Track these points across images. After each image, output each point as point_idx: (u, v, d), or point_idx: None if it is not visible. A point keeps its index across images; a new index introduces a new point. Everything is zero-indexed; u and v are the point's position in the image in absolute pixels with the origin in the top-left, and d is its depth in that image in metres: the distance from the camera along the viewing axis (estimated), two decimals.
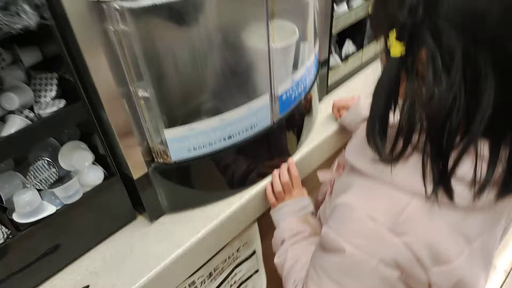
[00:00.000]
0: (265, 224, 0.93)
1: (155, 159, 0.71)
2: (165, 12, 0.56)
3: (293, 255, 0.72)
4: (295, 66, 0.81)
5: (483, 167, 0.47)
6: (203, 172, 0.76)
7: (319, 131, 0.95)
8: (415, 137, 0.49)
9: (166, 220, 0.78)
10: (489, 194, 0.49)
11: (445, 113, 0.44)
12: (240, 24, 0.68)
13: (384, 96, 0.49)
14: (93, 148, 0.70)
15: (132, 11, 0.53)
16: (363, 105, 0.90)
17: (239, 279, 0.99)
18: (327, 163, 1.00)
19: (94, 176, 0.69)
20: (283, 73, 0.77)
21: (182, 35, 0.61)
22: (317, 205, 0.86)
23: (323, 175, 0.80)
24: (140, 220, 0.79)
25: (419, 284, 0.52)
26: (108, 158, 0.69)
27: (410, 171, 0.50)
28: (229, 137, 0.72)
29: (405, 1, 0.43)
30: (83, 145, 0.69)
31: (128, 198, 0.75)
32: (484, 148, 0.47)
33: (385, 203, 0.52)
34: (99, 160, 0.71)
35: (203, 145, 0.71)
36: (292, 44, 0.76)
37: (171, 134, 0.67)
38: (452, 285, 0.53)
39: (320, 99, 1.03)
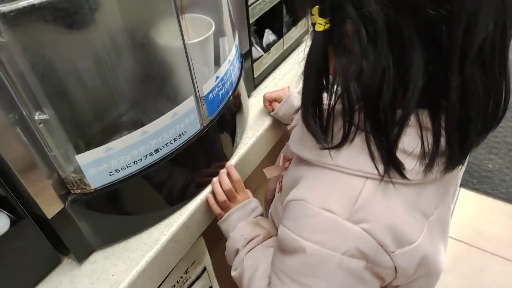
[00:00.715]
0: (212, 236, 0.86)
1: (72, 191, 0.61)
2: (50, 15, 0.46)
3: (250, 265, 0.66)
4: (217, 62, 0.75)
5: (429, 139, 0.46)
6: (132, 195, 0.66)
7: (253, 128, 0.90)
8: (354, 116, 0.46)
9: (98, 257, 0.67)
10: (439, 166, 0.47)
11: (377, 87, 0.42)
12: (148, 21, 0.60)
13: (314, 76, 0.47)
14: None
15: (6, 17, 0.43)
16: (294, 95, 0.87)
17: None
18: (268, 160, 0.95)
19: None
20: (206, 71, 0.70)
21: (78, 40, 0.51)
22: (267, 204, 0.81)
23: (269, 172, 0.75)
24: (67, 262, 0.67)
25: (385, 270, 0.49)
26: (12, 199, 0.57)
27: (357, 153, 0.48)
28: (156, 151, 0.64)
29: None
30: None
31: (46, 240, 0.63)
32: (426, 119, 0.46)
33: (338, 191, 0.49)
34: (1, 203, 0.58)
35: (127, 165, 0.61)
36: (209, 36, 0.69)
37: (85, 159, 0.57)
38: (416, 264, 0.51)
39: (249, 95, 0.98)
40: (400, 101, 0.43)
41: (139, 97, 0.62)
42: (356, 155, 0.48)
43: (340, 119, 0.48)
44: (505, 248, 1.70)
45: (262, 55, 0.99)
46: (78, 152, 0.56)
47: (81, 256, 0.66)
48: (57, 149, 0.55)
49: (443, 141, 0.46)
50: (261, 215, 0.76)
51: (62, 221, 0.60)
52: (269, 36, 1.04)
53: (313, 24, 0.44)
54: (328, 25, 0.43)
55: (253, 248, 0.69)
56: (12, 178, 0.54)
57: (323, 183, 0.51)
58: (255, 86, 1.01)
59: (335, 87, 0.45)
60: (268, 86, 1.03)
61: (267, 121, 0.92)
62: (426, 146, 0.46)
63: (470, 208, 1.89)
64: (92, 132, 0.59)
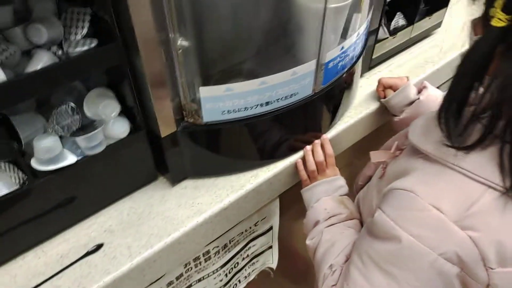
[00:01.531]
0: (286, 200, 0.88)
1: (185, 118, 0.66)
2: None
3: (328, 238, 0.67)
4: (344, 34, 0.74)
5: None
6: (234, 138, 0.70)
7: (357, 109, 0.89)
8: (497, 124, 0.43)
9: (189, 184, 0.73)
10: None
11: None
12: None
13: (470, 72, 0.44)
14: (120, 98, 0.65)
15: None
16: (412, 87, 0.83)
17: (252, 253, 0.95)
18: (361, 144, 0.94)
19: (120, 128, 0.64)
20: (333, 39, 0.69)
21: None
22: (356, 190, 0.80)
23: (376, 156, 0.73)
24: (161, 181, 0.74)
25: (476, 284, 0.47)
26: (136, 110, 0.63)
27: (486, 160, 0.45)
28: (267, 103, 0.66)
29: None
30: (111, 93, 0.63)
31: (151, 156, 0.70)
32: None
33: (454, 192, 0.47)
34: (126, 112, 0.65)
35: (238, 109, 0.65)
36: (347, 4, 0.68)
37: (206, 93, 0.61)
38: None
39: (361, 75, 0.96)
40: None
41: (266, 48, 0.64)
42: (485, 162, 0.46)
43: (479, 122, 0.45)
44: None
45: (387, 37, 0.95)
46: (202, 85, 0.60)
47: (176, 178, 0.72)
48: (186, 76, 0.60)
49: None
50: (346, 194, 0.76)
51: (171, 142, 0.66)
52: (399, 20, 0.99)
53: (490, 17, 0.41)
54: (509, 23, 0.40)
55: (333, 224, 0.70)
56: (143, 91, 0.60)
57: (439, 180, 0.49)
58: (370, 67, 0.99)
59: (490, 90, 0.42)
60: (383, 71, 1.00)
61: (372, 105, 0.90)
62: None
63: None
64: (218, 70, 0.63)
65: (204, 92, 0.61)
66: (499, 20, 0.40)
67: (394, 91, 0.85)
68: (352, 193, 0.79)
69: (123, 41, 0.54)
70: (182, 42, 0.55)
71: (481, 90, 0.44)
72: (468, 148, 0.46)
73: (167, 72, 0.58)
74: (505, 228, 0.45)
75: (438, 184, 0.48)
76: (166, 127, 0.63)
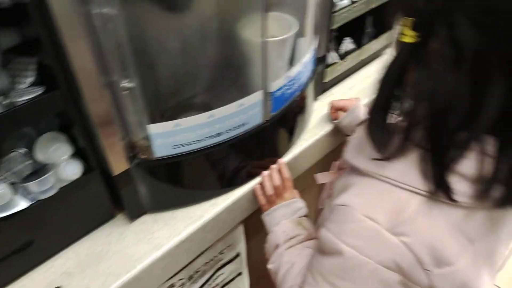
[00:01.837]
0: (251, 225, 0.90)
1: (138, 155, 0.67)
2: None
3: (288, 260, 0.69)
4: (292, 62, 0.77)
5: (487, 165, 0.46)
6: (188, 171, 0.72)
7: (312, 132, 0.92)
8: (415, 132, 0.47)
9: (147, 219, 0.74)
10: (494, 196, 0.47)
11: (447, 110, 0.43)
12: (236, 14, 0.64)
13: (389, 84, 0.48)
14: (72, 140, 0.65)
15: None
16: (361, 108, 0.87)
17: (222, 281, 0.95)
18: (319, 166, 0.97)
19: (72, 170, 0.64)
20: (279, 69, 0.72)
21: (173, 22, 0.57)
22: (317, 214, 0.82)
23: (321, 177, 0.77)
24: (119, 218, 0.75)
25: None
26: (89, 151, 0.64)
27: (410, 168, 0.48)
28: (218, 135, 0.68)
29: None
30: (62, 137, 0.64)
31: (107, 194, 0.70)
32: (489, 146, 0.45)
33: (385, 202, 0.50)
34: (78, 153, 0.66)
35: (190, 142, 0.66)
36: (289, 37, 0.72)
37: (156, 129, 0.62)
38: None
39: (315, 98, 1.00)
40: (467, 125, 0.44)
41: (213, 82, 0.67)
42: (409, 170, 0.48)
43: (401, 132, 0.49)
44: None
45: (337, 62, 1.00)
46: (151, 122, 0.62)
47: (133, 215, 0.73)
48: (135, 115, 0.61)
49: (503, 173, 0.45)
50: (305, 216, 0.78)
51: (125, 179, 0.67)
52: (348, 44, 1.04)
53: (401, 34, 0.45)
54: (417, 39, 0.44)
55: (292, 246, 0.71)
56: (93, 133, 0.61)
57: (371, 192, 0.52)
58: (323, 91, 1.02)
59: (406, 100, 0.46)
60: (336, 94, 1.04)
61: (327, 127, 0.93)
62: (484, 172, 0.45)
63: None
64: (167, 106, 0.65)
65: (153, 129, 0.62)
66: (408, 37, 0.44)
67: (345, 112, 0.88)
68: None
69: (68, 87, 0.56)
70: (126, 84, 0.57)
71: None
72: (390, 158, 0.49)
73: (114, 113, 0.60)
74: (434, 231, 0.48)
75: (370, 196, 0.51)
76: (118, 165, 0.64)
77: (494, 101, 0.41)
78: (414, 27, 0.44)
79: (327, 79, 1.00)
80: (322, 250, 0.55)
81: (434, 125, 0.45)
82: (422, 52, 0.44)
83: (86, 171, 0.66)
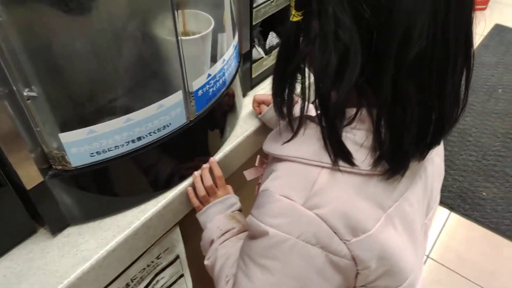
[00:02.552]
0: (188, 226, 0.88)
1: (53, 166, 0.63)
2: None
3: (223, 253, 0.69)
4: (213, 60, 0.77)
5: (375, 135, 0.51)
6: (111, 178, 0.69)
7: (242, 127, 0.92)
8: (309, 106, 0.53)
9: (72, 232, 0.70)
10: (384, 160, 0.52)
11: (321, 76, 0.48)
12: (148, 12, 0.62)
13: (283, 62, 0.54)
14: None
15: None
16: None
17: (162, 285, 0.93)
18: (252, 161, 0.97)
19: None
20: (198, 67, 0.72)
21: (73, 24, 0.53)
22: None
23: (249, 174, 0.79)
24: (41, 233, 0.70)
25: (343, 260, 0.52)
26: None
27: (313, 144, 0.53)
28: (139, 139, 0.66)
29: None
30: None
31: (24, 209, 0.66)
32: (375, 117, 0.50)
33: (298, 180, 0.53)
34: None
35: (108, 149, 0.64)
36: (205, 35, 0.71)
37: (68, 138, 0.59)
38: (376, 257, 0.53)
39: (244, 94, 1.00)
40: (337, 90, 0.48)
41: (127, 84, 0.64)
42: (313, 146, 0.53)
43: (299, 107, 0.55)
44: (486, 279, 1.71)
45: (263, 57, 1.00)
46: (62, 131, 0.59)
47: (56, 228, 0.69)
48: (43, 125, 0.58)
49: (384, 141, 0.50)
50: (240, 210, 0.79)
51: (41, 193, 0.63)
52: (273, 38, 1.05)
53: (290, 14, 0.50)
54: (300, 18, 0.49)
55: (227, 239, 0.72)
56: None
57: (286, 173, 0.55)
58: (252, 87, 1.03)
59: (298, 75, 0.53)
60: (266, 88, 1.05)
61: (257, 122, 0.93)
62: (376, 140, 0.51)
63: (457, 233, 1.89)
64: (78, 113, 0.62)
65: (65, 138, 0.59)
66: (294, 16, 0.50)
67: (268, 105, 0.89)
68: None
69: None
70: (28, 93, 0.53)
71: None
72: (295, 135, 0.55)
73: (19, 124, 0.56)
74: (344, 200, 0.51)
75: (285, 177, 0.55)
76: (30, 180, 0.60)
77: (352, 70, 0.46)
78: (297, 6, 0.49)
79: (254, 74, 1.00)
80: (250, 235, 0.58)
81: (318, 96, 0.51)
82: (307, 29, 0.50)
83: None
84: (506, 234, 1.88)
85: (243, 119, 0.94)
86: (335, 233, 0.51)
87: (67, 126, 0.60)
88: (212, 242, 0.73)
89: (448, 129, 0.53)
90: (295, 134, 0.56)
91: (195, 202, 0.79)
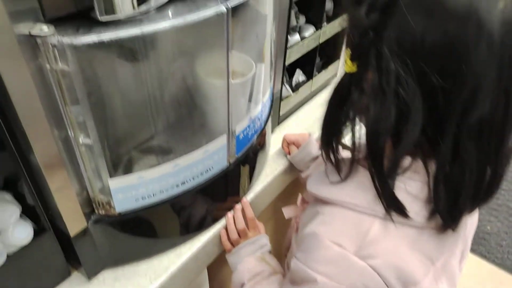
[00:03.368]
0: (213, 265, 0.87)
1: (96, 210, 0.62)
2: (114, 49, 0.48)
3: None
4: (252, 102, 0.77)
5: (431, 186, 0.50)
6: (152, 222, 0.67)
7: (271, 166, 0.91)
8: (360, 154, 0.52)
9: (107, 276, 0.68)
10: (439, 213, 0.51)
11: (379, 131, 0.47)
12: (198, 57, 0.62)
13: (335, 109, 0.53)
14: (19, 198, 0.59)
15: (74, 48, 0.45)
16: (313, 143, 0.88)
17: None
18: (281, 197, 0.97)
19: (21, 234, 0.57)
20: (241, 111, 0.71)
21: (132, 73, 0.53)
22: (284, 252, 0.82)
23: (288, 211, 0.78)
24: (76, 276, 0.68)
25: None
26: (39, 209, 0.58)
27: (367, 192, 0.52)
28: (183, 183, 0.65)
29: (357, 23, 0.46)
30: (8, 196, 0.57)
31: (61, 253, 0.64)
32: (434, 168, 0.50)
33: (349, 227, 0.52)
34: (26, 210, 0.59)
35: (153, 194, 0.62)
36: (249, 78, 0.71)
37: (117, 184, 0.58)
38: None
39: (272, 131, 1.00)
40: (395, 147, 0.48)
41: (177, 131, 0.64)
42: (366, 195, 0.52)
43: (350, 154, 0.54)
44: None
45: (290, 95, 1.01)
46: (111, 176, 0.57)
47: (92, 272, 0.67)
48: (92, 171, 0.56)
49: (440, 194, 0.50)
50: (269, 252, 0.78)
51: (82, 238, 0.61)
52: (299, 76, 1.06)
53: (345, 64, 0.50)
54: (355, 68, 0.48)
55: (258, 282, 0.70)
56: (44, 190, 0.55)
57: (335, 219, 0.54)
58: (279, 123, 1.03)
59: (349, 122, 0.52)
60: (291, 124, 1.05)
61: (285, 160, 0.93)
62: (431, 193, 0.50)
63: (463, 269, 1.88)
64: (128, 158, 0.61)
65: (114, 183, 0.58)
66: (348, 66, 0.49)
67: (297, 147, 0.89)
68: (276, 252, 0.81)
69: (16, 147, 0.50)
70: (84, 140, 0.52)
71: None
72: (345, 179, 0.54)
73: (70, 168, 0.55)
74: (396, 252, 0.50)
75: (335, 222, 0.53)
76: (75, 225, 0.59)
77: (413, 128, 0.45)
78: (352, 58, 0.48)
79: (282, 112, 1.00)
80: (294, 281, 0.56)
81: (372, 148, 0.49)
82: (360, 80, 0.49)
83: (38, 232, 0.60)
84: None
85: (272, 157, 0.94)
86: (386, 285, 0.49)
87: (115, 171, 0.59)
88: (242, 285, 0.72)
89: (500, 184, 0.53)
90: (345, 178, 0.56)
91: (227, 245, 0.78)
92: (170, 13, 0.51)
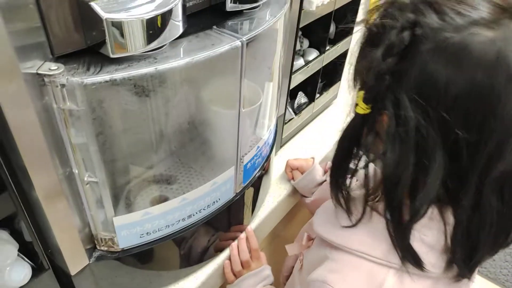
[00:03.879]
0: None
1: (98, 246, 0.59)
2: (126, 87, 0.45)
3: None
4: (259, 129, 0.75)
5: (448, 235, 0.47)
6: (155, 257, 0.65)
7: (275, 192, 0.89)
8: (375, 199, 0.49)
9: None
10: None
11: (395, 178, 0.44)
12: (207, 90, 0.60)
13: (345, 150, 0.50)
14: (17, 234, 0.55)
15: (84, 88, 0.42)
16: (318, 169, 0.86)
17: None
18: (282, 223, 0.95)
19: (19, 275, 0.54)
20: (249, 140, 0.69)
21: (142, 109, 0.51)
22: (283, 279, 0.80)
23: (291, 249, 0.76)
24: None
25: None
26: (37, 247, 0.55)
27: (379, 240, 0.49)
28: (189, 217, 0.63)
29: (373, 66, 0.43)
30: (5, 235, 0.54)
31: None
32: (450, 216, 0.47)
33: (360, 277, 0.49)
34: (24, 248, 0.56)
35: (158, 229, 0.60)
36: (257, 106, 0.70)
37: (122, 221, 0.55)
38: None
39: (275, 154, 0.98)
40: (414, 196, 0.45)
41: (187, 165, 0.62)
42: (378, 242, 0.49)
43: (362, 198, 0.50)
44: None
45: (293, 118, 0.99)
46: (116, 214, 0.55)
47: None
48: (96, 208, 0.54)
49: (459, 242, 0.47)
50: (271, 285, 0.76)
51: (83, 276, 0.58)
52: (301, 98, 1.05)
53: (355, 104, 0.46)
54: (368, 111, 0.45)
55: None
56: (44, 227, 0.52)
57: (346, 267, 0.51)
58: (281, 146, 1.01)
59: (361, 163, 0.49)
60: (294, 147, 1.03)
61: (288, 185, 0.91)
62: (446, 242, 0.47)
63: None
64: (135, 195, 0.58)
65: (119, 221, 0.55)
66: (361, 109, 0.45)
67: (302, 172, 0.87)
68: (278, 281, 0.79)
69: (17, 188, 0.47)
70: (89, 178, 0.50)
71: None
72: (357, 224, 0.51)
73: (73, 205, 0.52)
74: None
75: (345, 271, 0.50)
76: (76, 262, 0.56)
77: (433, 179, 0.42)
78: (366, 101, 0.45)
79: (284, 134, 0.99)
80: None
81: (387, 196, 0.47)
82: (374, 123, 0.46)
83: (36, 271, 0.56)
84: (506, 285, 1.88)
85: (276, 182, 0.92)
86: None
87: (119, 209, 0.56)
88: None
89: None
90: (356, 223, 0.52)
91: (230, 277, 0.75)
92: (182, 49, 0.49)
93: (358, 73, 0.49)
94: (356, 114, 0.48)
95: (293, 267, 0.75)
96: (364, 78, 0.46)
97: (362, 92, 0.46)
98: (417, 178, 0.44)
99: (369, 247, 0.50)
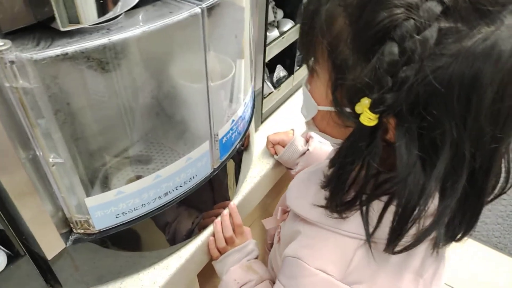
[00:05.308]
0: (203, 272, 0.84)
1: (74, 230, 0.58)
2: (81, 61, 0.44)
3: None
4: (234, 103, 0.74)
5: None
6: (134, 236, 0.64)
7: (257, 167, 0.89)
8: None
9: None
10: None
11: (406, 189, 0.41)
12: (174, 60, 0.59)
13: (347, 165, 0.45)
14: None
15: (37, 64, 0.41)
16: (299, 140, 0.86)
17: None
18: (268, 193, 0.95)
19: None
20: (221, 113, 0.68)
21: (103, 83, 0.49)
22: (267, 247, 0.80)
23: (268, 223, 0.76)
24: None
25: None
26: (11, 235, 0.54)
27: (354, 216, 0.48)
28: (165, 194, 0.62)
29: (397, 72, 0.36)
30: None
31: (41, 277, 0.60)
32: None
33: (334, 251, 0.49)
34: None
35: (134, 208, 0.59)
36: (229, 79, 0.68)
37: (94, 202, 0.54)
38: None
39: (255, 130, 0.97)
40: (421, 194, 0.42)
41: (156, 140, 0.60)
42: (353, 217, 0.48)
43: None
44: None
45: (272, 92, 0.98)
46: (88, 195, 0.54)
47: None
48: (67, 191, 0.53)
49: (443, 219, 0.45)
50: (256, 258, 0.76)
51: (61, 260, 0.57)
52: (280, 72, 1.03)
53: (358, 114, 0.40)
54: (376, 122, 0.40)
55: None
56: (15, 215, 0.51)
57: (319, 242, 0.51)
58: (262, 121, 1.00)
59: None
60: (275, 122, 1.02)
61: (271, 160, 0.91)
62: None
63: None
64: (105, 173, 0.57)
65: (92, 201, 0.54)
66: (369, 120, 0.39)
67: (283, 146, 0.87)
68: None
69: None
70: (54, 159, 0.49)
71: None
72: (341, 211, 0.48)
73: (41, 189, 0.51)
74: (384, 274, 0.48)
75: (318, 246, 0.50)
76: (52, 247, 0.55)
77: (439, 173, 0.40)
78: (376, 109, 0.39)
79: (264, 109, 0.98)
80: None
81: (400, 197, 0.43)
82: (382, 131, 0.41)
83: (13, 258, 0.56)
84: (498, 247, 1.91)
85: (258, 157, 0.91)
86: None
87: (91, 189, 0.55)
88: None
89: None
90: (341, 210, 0.48)
91: (215, 253, 0.75)
92: (140, 18, 0.47)
93: (361, 80, 0.40)
94: (359, 125, 0.41)
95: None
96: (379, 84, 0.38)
97: (368, 101, 0.39)
98: (424, 180, 0.41)
99: (341, 221, 0.49)
